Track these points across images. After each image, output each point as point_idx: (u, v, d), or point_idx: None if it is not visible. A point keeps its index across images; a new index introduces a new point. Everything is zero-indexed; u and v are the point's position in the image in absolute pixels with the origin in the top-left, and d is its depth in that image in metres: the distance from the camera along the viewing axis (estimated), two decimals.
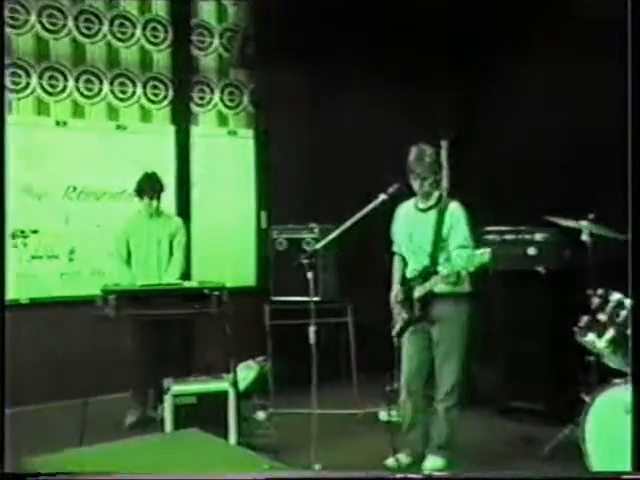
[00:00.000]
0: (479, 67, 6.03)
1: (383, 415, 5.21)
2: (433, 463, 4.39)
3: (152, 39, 6.51)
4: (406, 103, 6.29)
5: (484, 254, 4.13)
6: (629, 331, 4.06)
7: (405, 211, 4.66)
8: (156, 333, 5.40)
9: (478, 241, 4.72)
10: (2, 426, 3.39)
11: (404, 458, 4.48)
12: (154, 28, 6.51)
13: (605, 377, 4.06)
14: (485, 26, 5.95)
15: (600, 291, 4.22)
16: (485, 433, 4.99)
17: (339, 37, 6.14)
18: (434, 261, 4.41)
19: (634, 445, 3.08)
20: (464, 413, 4.46)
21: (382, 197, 4.53)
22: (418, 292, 4.39)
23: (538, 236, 5.15)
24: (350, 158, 6.37)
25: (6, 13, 5.76)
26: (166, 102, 6.56)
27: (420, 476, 4.09)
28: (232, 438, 4.67)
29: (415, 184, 4.49)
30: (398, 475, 3.92)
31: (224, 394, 4.73)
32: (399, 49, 6.17)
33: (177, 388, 4.71)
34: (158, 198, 5.56)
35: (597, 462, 3.89)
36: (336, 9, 6.13)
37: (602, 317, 4.15)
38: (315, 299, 4.57)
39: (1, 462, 3.07)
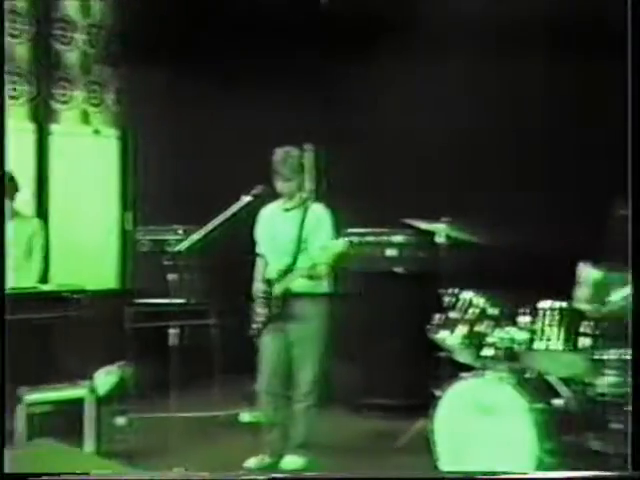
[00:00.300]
0: (346, 68, 6.15)
1: (244, 416, 5.22)
2: (292, 462, 4.43)
3: (11, 31, 6.24)
4: (274, 104, 6.33)
5: (340, 243, 4.23)
6: (477, 327, 4.28)
7: (269, 212, 4.70)
8: (11, 339, 5.15)
9: None
10: (2, 426, 3.40)
11: (264, 459, 4.49)
12: (13, 20, 6.24)
13: (456, 372, 4.23)
14: (348, 27, 6.08)
15: (452, 290, 4.41)
16: (343, 430, 5.09)
17: (205, 36, 6.11)
18: (296, 261, 4.47)
19: (634, 445, 3.07)
20: (323, 411, 4.53)
21: (246, 198, 4.55)
22: (277, 289, 4.43)
23: (397, 238, 5.32)
24: (216, 159, 6.35)
25: None
26: (25, 98, 6.31)
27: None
28: (89, 446, 4.54)
29: (279, 185, 4.53)
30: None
31: (81, 401, 4.60)
32: (265, 49, 6.21)
33: (31, 397, 4.52)
34: (14, 199, 5.35)
35: (445, 454, 4.04)
36: (202, 7, 6.10)
37: (453, 315, 4.34)
38: (178, 301, 4.52)
39: (1, 462, 3.04)
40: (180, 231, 5.85)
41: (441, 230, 4.71)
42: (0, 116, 4.42)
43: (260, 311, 4.53)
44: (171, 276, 4.50)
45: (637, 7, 3.11)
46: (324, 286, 4.51)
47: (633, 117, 3.17)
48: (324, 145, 5.56)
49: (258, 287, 4.61)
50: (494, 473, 3.61)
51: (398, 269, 5.33)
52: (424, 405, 4.20)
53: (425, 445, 4.10)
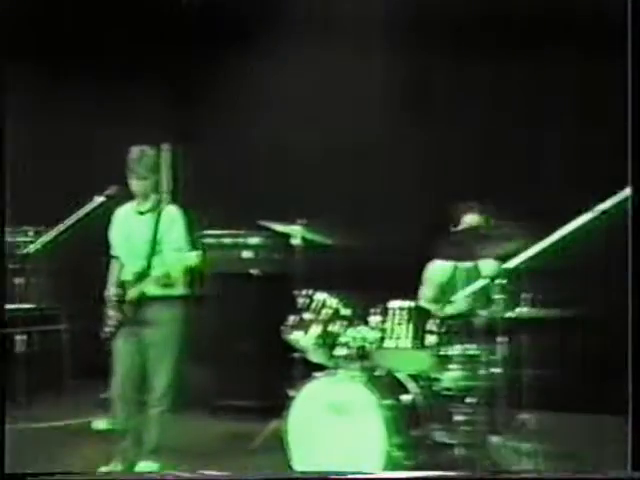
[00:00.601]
0: (205, 68, 6.10)
1: (97, 424, 5.09)
2: (146, 468, 4.35)
3: None
4: (131, 102, 6.21)
5: (193, 256, 4.22)
6: (331, 327, 4.37)
7: (123, 213, 4.60)
8: None
9: (195, 244, 4.80)
10: (2, 427, 3.40)
11: (117, 466, 4.38)
12: None
13: (309, 372, 4.30)
14: (207, 27, 6.04)
15: (306, 291, 4.48)
16: (198, 433, 5.06)
17: (60, 32, 5.92)
18: (150, 264, 4.40)
19: (633, 445, 3.13)
20: (177, 415, 4.49)
21: (99, 199, 4.44)
22: (131, 294, 4.36)
23: (253, 240, 5.34)
24: (70, 158, 6.16)
25: None
26: None
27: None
28: None
29: (134, 185, 4.45)
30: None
31: None
32: (123, 47, 6.08)
33: None
34: None
35: (299, 453, 4.08)
36: (55, 2, 5.91)
37: (307, 316, 4.40)
38: (26, 306, 4.35)
39: (1, 462, 3.11)
40: (30, 232, 5.61)
41: (296, 232, 4.77)
42: (0, 117, 4.24)
43: (113, 315, 4.43)
44: (18, 280, 4.32)
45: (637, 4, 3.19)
46: (179, 289, 4.47)
47: (633, 116, 3.25)
48: (181, 145, 5.49)
49: (111, 290, 4.50)
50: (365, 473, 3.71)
51: (254, 271, 5.35)
52: (279, 406, 4.24)
53: (280, 445, 4.14)
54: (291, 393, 4.16)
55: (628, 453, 3.16)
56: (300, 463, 4.07)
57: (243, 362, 5.44)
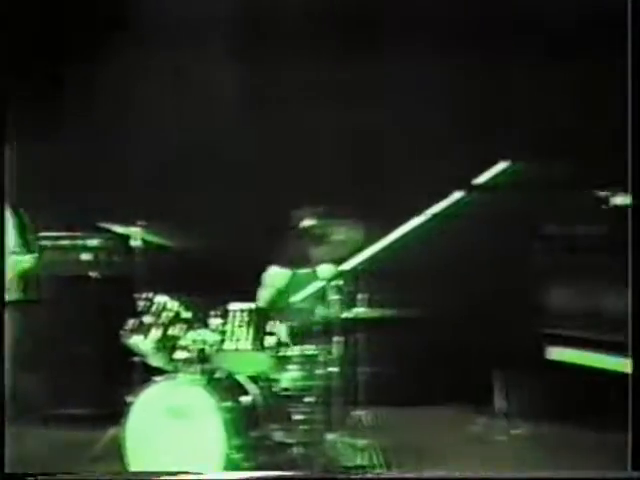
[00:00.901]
0: (42, 63, 5.84)
1: None
2: None
3: None
4: None
5: (26, 260, 4.10)
6: (171, 331, 4.34)
7: None
8: None
9: (30, 246, 4.63)
10: (2, 427, 3.48)
11: None
12: None
13: (149, 377, 4.24)
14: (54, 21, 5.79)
15: (147, 294, 4.42)
16: (33, 443, 4.82)
17: None
18: None
19: (634, 445, 3.13)
20: (9, 425, 4.28)
21: None
22: None
23: (92, 242, 5.19)
24: None
25: None
26: None
27: None
28: None
29: None
30: None
31: None
32: None
33: None
34: None
35: (139, 460, 4.03)
36: None
37: (147, 319, 4.35)
38: None
39: (1, 462, 3.18)
40: None
41: (136, 234, 4.69)
42: (1, 122, 4.04)
43: None
44: None
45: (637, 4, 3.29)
46: (12, 293, 4.30)
47: (633, 116, 3.29)
48: (12, 143, 5.24)
49: None
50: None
51: (93, 273, 5.21)
52: (117, 412, 4.15)
53: (118, 453, 4.06)
54: (129, 399, 4.09)
55: (628, 453, 3.18)
56: (138, 469, 4.01)
57: (81, 368, 5.31)
